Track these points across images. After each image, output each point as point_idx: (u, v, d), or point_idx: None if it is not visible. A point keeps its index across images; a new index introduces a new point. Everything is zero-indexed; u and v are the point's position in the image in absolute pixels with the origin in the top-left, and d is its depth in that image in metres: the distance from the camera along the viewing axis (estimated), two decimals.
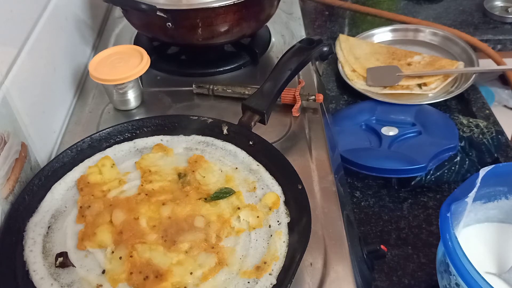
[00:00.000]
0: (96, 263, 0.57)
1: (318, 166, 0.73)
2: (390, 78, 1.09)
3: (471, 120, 0.98)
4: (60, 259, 0.57)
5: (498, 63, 1.16)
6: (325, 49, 0.84)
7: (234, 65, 0.95)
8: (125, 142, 0.72)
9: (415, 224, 0.85)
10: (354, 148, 0.93)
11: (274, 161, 0.67)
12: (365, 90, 1.08)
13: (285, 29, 1.06)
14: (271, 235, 0.59)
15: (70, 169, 0.68)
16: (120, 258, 0.57)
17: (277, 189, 0.65)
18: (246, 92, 0.85)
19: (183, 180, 0.65)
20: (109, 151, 0.71)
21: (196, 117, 0.74)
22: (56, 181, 0.66)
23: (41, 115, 0.76)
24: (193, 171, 0.66)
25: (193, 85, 0.88)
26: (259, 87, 0.75)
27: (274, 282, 0.55)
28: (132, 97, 0.84)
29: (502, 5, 1.36)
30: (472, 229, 0.73)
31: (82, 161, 0.69)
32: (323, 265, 0.60)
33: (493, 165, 0.67)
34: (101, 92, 0.88)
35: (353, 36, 1.23)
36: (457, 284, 0.60)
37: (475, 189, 0.64)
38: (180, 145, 0.72)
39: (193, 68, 0.95)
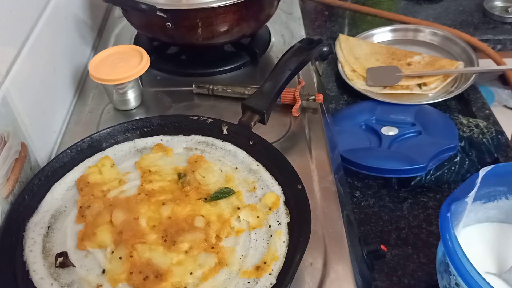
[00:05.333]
0: (96, 263, 0.57)
1: (318, 166, 0.73)
2: (390, 78, 1.09)
3: (471, 120, 0.98)
4: (60, 259, 0.57)
5: (498, 63, 1.16)
6: (325, 49, 0.84)
7: (234, 65, 0.95)
8: (125, 142, 0.72)
9: (415, 224, 0.85)
10: (354, 148, 0.93)
11: (274, 161, 0.67)
12: (365, 90, 1.08)
13: (285, 29, 1.06)
14: (271, 235, 0.59)
15: (70, 169, 0.68)
16: (120, 258, 0.57)
17: (277, 189, 0.65)
18: (246, 92, 0.85)
19: (183, 180, 0.65)
20: (109, 151, 0.71)
21: (196, 117, 0.74)
22: (56, 181, 0.66)
23: (41, 115, 0.76)
24: (193, 171, 0.66)
25: (193, 85, 0.88)
26: (259, 87, 0.75)
27: (274, 282, 0.55)
28: (132, 97, 0.84)
29: (502, 5, 1.36)
30: (472, 229, 0.73)
31: (82, 161, 0.69)
32: (323, 265, 0.60)
33: (493, 165, 0.67)
34: (101, 92, 0.88)
35: (353, 36, 1.23)
36: (457, 284, 0.60)
37: (475, 189, 0.64)
38: (180, 145, 0.72)
39: (193, 68, 0.95)
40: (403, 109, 1.01)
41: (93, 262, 0.57)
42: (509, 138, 1.01)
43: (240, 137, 0.71)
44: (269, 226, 0.60)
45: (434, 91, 1.08)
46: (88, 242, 0.59)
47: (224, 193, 0.64)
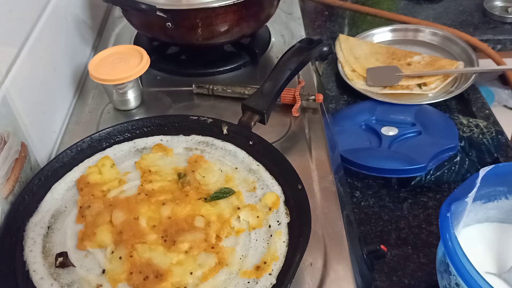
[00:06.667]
0: (96, 263, 0.57)
1: (318, 166, 0.73)
2: (390, 78, 1.09)
3: (471, 120, 0.98)
4: (60, 259, 0.57)
5: (498, 63, 1.16)
6: (325, 49, 0.84)
7: (234, 65, 0.95)
8: (125, 142, 0.72)
9: (415, 224, 0.85)
10: (354, 148, 0.93)
11: (274, 161, 0.67)
12: (365, 90, 1.08)
13: (285, 29, 1.06)
14: (271, 235, 0.59)
15: (70, 169, 0.68)
16: (120, 258, 0.57)
17: (277, 189, 0.65)
18: (246, 92, 0.85)
19: (183, 180, 0.65)
20: (109, 151, 0.71)
21: (196, 117, 0.74)
22: (56, 181, 0.66)
23: (41, 115, 0.76)
24: (193, 171, 0.66)
25: (193, 85, 0.88)
26: (259, 87, 0.75)
27: (274, 282, 0.55)
28: (132, 97, 0.84)
29: (502, 5, 1.36)
30: (472, 229, 0.73)
31: (82, 161, 0.69)
32: (323, 265, 0.60)
33: (493, 165, 0.67)
34: (101, 92, 0.88)
35: (353, 36, 1.23)
36: (457, 284, 0.60)
37: (475, 189, 0.64)
38: (180, 145, 0.72)
39: (193, 68, 0.95)
40: (403, 109, 1.01)
41: (93, 262, 0.57)
42: (509, 138, 1.01)
43: (240, 137, 0.71)
44: (269, 226, 0.60)
45: (434, 91, 1.08)
46: (88, 242, 0.59)
47: (224, 193, 0.64)
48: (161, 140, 0.73)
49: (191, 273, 0.55)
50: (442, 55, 1.17)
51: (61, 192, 0.66)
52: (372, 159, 0.90)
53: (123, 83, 0.81)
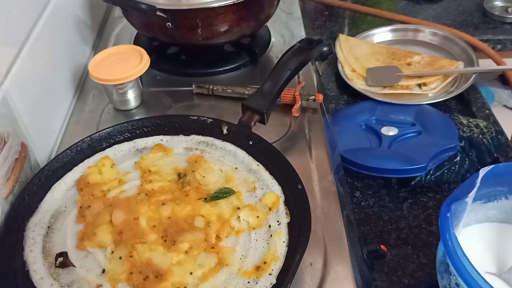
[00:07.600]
0: (96, 263, 0.57)
1: (318, 166, 0.73)
2: (390, 78, 1.09)
3: (471, 120, 0.98)
4: (60, 259, 0.57)
5: (498, 63, 1.16)
6: (325, 49, 0.84)
7: (234, 65, 0.95)
8: (125, 142, 0.72)
9: (415, 224, 0.85)
10: (354, 148, 0.93)
11: (274, 161, 0.67)
12: (365, 90, 1.08)
13: (285, 29, 1.06)
14: (271, 235, 0.59)
15: (70, 169, 0.68)
16: (120, 258, 0.57)
17: (277, 189, 0.65)
18: (246, 92, 0.85)
19: (183, 180, 0.65)
20: (109, 151, 0.71)
21: (196, 117, 0.74)
22: (56, 181, 0.66)
23: (41, 115, 0.76)
24: (193, 171, 0.66)
25: (193, 85, 0.88)
26: (259, 87, 0.75)
27: (274, 282, 0.55)
28: (132, 97, 0.84)
29: (502, 5, 1.36)
30: (472, 229, 0.73)
31: (82, 161, 0.69)
32: (323, 265, 0.60)
33: (493, 165, 0.67)
34: (101, 92, 0.88)
35: (353, 36, 1.23)
36: (457, 284, 0.60)
37: (475, 189, 0.64)
38: (180, 145, 0.72)
39: (193, 68, 0.95)
40: (403, 109, 1.01)
41: (93, 262, 0.57)
42: (509, 138, 1.01)
43: (240, 137, 0.71)
44: (269, 226, 0.60)
45: (434, 91, 1.08)
46: (88, 242, 0.59)
47: (224, 193, 0.64)
48: (161, 140, 0.73)
49: (191, 273, 0.55)
50: (442, 55, 1.17)
51: (61, 192, 0.66)
52: (372, 159, 0.90)
53: (123, 83, 0.81)
